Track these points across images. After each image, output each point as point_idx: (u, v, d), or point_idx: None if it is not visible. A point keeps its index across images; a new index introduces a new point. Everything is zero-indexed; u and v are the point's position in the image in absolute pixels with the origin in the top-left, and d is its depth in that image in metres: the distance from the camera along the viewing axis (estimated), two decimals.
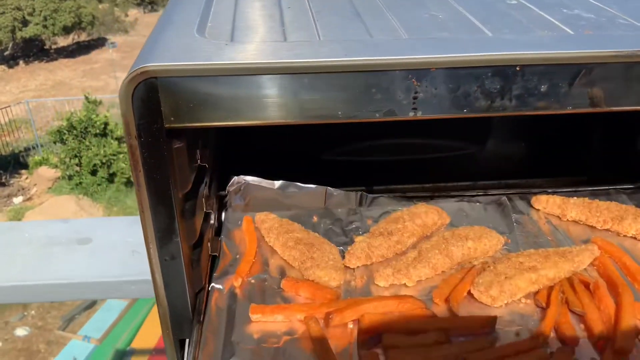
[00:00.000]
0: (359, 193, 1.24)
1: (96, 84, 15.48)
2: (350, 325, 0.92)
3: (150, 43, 0.78)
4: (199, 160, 0.95)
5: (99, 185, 10.11)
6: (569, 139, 1.52)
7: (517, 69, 0.70)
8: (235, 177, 1.23)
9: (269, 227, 1.11)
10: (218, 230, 1.14)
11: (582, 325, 0.92)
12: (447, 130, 1.48)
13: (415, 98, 0.68)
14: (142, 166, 0.72)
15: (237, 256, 1.07)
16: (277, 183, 1.23)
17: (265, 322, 0.92)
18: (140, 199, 0.75)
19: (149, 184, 0.74)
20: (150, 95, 0.69)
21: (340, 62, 0.68)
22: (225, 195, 1.22)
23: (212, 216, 1.09)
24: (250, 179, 1.23)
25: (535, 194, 1.26)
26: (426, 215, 1.14)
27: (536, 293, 0.98)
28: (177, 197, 0.79)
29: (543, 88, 0.71)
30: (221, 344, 0.88)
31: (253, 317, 0.92)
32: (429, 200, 1.25)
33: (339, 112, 0.69)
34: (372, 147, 1.49)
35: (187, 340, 0.89)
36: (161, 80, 0.69)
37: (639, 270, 1.02)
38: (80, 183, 10.14)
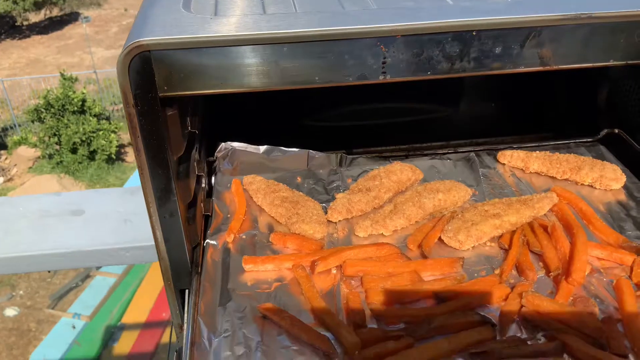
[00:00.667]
0: (339, 155, 1.33)
1: (71, 60, 15.19)
2: (334, 271, 1.02)
3: (140, 19, 0.85)
4: (189, 127, 1.03)
5: (80, 163, 10.04)
6: (536, 99, 1.62)
7: (474, 33, 0.78)
8: (223, 144, 1.31)
9: (256, 188, 1.20)
10: (209, 193, 1.22)
11: (541, 264, 1.04)
12: (421, 94, 1.57)
13: (384, 63, 0.77)
14: (140, 132, 0.80)
15: (228, 215, 1.16)
16: (262, 148, 1.31)
17: (257, 271, 1.02)
18: (140, 162, 0.83)
19: (147, 149, 0.82)
20: (144, 67, 0.76)
21: (315, 32, 0.76)
22: (214, 161, 1.30)
23: (204, 180, 1.17)
24: (236, 144, 1.31)
25: (502, 150, 1.36)
26: (401, 172, 1.24)
27: (500, 237, 1.09)
28: (172, 160, 0.87)
29: (497, 50, 0.80)
30: (218, 291, 0.98)
31: (246, 267, 1.02)
32: (404, 159, 1.35)
33: (316, 78, 0.78)
34: (351, 113, 1.58)
35: (187, 291, 0.98)
36: (154, 53, 0.76)
37: (593, 214, 1.13)
38: (61, 162, 10.06)
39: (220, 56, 0.78)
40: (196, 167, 1.07)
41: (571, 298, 0.95)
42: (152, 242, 1.82)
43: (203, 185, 1.17)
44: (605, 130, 1.39)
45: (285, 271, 1.03)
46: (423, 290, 0.96)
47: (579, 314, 0.89)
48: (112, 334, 5.90)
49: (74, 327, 5.80)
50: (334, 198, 1.21)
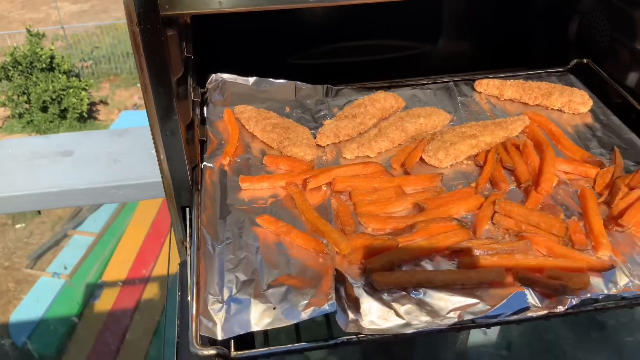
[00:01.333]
0: (325, 86, 1.39)
1: (37, 15, 14.62)
2: (324, 188, 1.10)
3: None
4: (185, 52, 1.07)
5: (51, 122, 9.83)
6: (512, 34, 1.69)
7: None
8: (213, 75, 1.36)
9: (248, 116, 1.26)
10: (202, 121, 1.28)
11: (512, 178, 1.13)
12: (401, 31, 1.63)
13: None
14: (144, 50, 0.85)
15: (222, 142, 1.23)
16: (251, 79, 1.36)
17: (253, 189, 1.10)
18: (144, 81, 0.88)
19: (150, 67, 0.87)
20: None
21: None
22: (205, 92, 1.35)
23: (197, 108, 1.23)
24: (226, 76, 1.36)
25: (479, 79, 1.44)
26: (384, 100, 1.31)
27: (476, 155, 1.18)
28: (172, 80, 0.92)
29: None
30: (218, 207, 1.05)
31: (242, 185, 1.09)
32: (387, 89, 1.42)
33: None
34: (335, 50, 1.63)
35: (188, 208, 1.05)
36: None
37: (561, 134, 1.23)
38: (32, 121, 9.84)
39: None
40: (192, 92, 1.12)
41: (540, 206, 1.05)
42: (143, 180, 1.87)
43: (197, 113, 1.22)
44: (575, 60, 1.48)
45: (279, 189, 1.10)
46: (406, 201, 1.05)
47: (546, 216, 0.99)
48: (92, 292, 5.93)
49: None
50: (321, 125, 1.28)
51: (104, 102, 10.84)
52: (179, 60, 0.97)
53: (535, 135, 1.22)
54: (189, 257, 0.91)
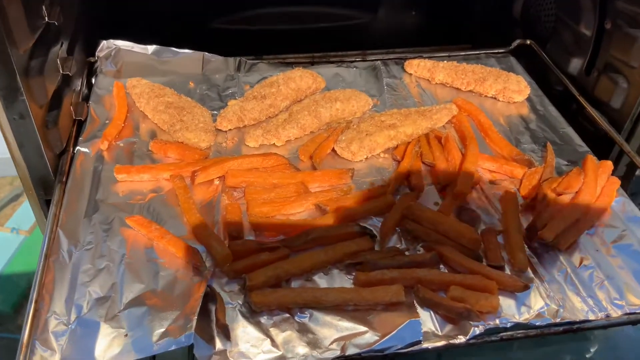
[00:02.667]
0: (238, 59, 1.23)
1: None
2: (217, 182, 0.96)
3: None
4: (46, 17, 0.89)
5: None
6: (456, 10, 1.54)
7: None
8: (105, 42, 1.18)
9: (140, 92, 1.10)
10: (88, 97, 1.10)
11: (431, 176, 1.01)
12: None
13: None
14: None
15: (107, 121, 1.06)
16: (151, 48, 1.19)
17: (131, 181, 0.94)
18: None
19: None
20: None
21: None
22: (95, 61, 1.17)
23: (77, 81, 1.05)
24: (121, 43, 1.18)
25: (411, 58, 1.30)
26: (301, 79, 1.16)
27: (395, 148, 1.05)
28: (15, 53, 0.75)
29: None
30: (85, 202, 0.90)
31: (118, 176, 0.93)
32: (309, 66, 1.26)
33: None
34: (261, 15, 1.45)
35: (53, 200, 0.89)
36: None
37: (490, 127, 1.11)
38: None
39: None
40: (61, 65, 0.95)
41: (456, 210, 0.93)
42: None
43: (77, 88, 1.05)
44: (518, 41, 1.35)
45: (163, 182, 0.95)
46: (307, 202, 0.92)
47: (457, 225, 0.87)
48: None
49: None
50: (226, 105, 1.13)
51: None
52: (25, 27, 0.79)
53: (462, 127, 1.09)
54: (38, 267, 0.76)
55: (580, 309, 0.80)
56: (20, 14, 0.77)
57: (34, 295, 0.73)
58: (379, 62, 1.28)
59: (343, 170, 0.98)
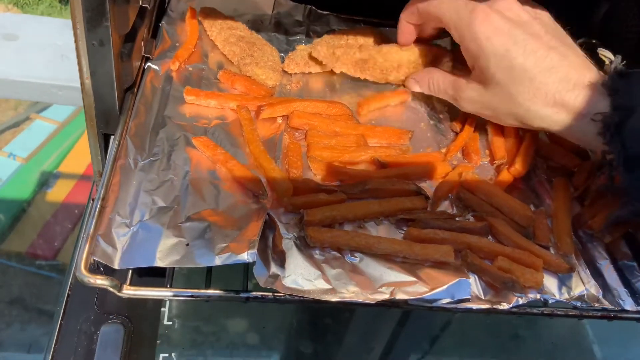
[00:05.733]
0: (309, 7, 1.23)
1: None
2: (279, 120, 0.97)
3: None
4: None
5: None
6: None
7: None
8: None
9: (212, 20, 1.10)
10: (159, 18, 1.11)
11: (487, 152, 1.02)
12: None
13: None
14: None
15: (177, 44, 1.07)
16: None
17: (198, 105, 0.96)
18: None
19: None
20: None
21: None
22: None
23: (150, 15, 1.04)
24: None
25: None
26: (370, 36, 1.16)
27: (454, 119, 1.06)
28: None
29: None
30: (153, 116, 0.91)
31: (187, 98, 0.95)
32: (376, 26, 1.26)
33: None
34: None
35: (112, 137, 0.86)
36: None
37: None
38: None
39: None
40: None
41: (509, 187, 0.95)
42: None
43: (148, 22, 1.03)
44: (583, 39, 1.34)
45: (228, 111, 0.97)
46: (366, 154, 0.94)
47: (511, 200, 0.89)
48: (47, 180, 5.74)
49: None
50: (294, 49, 1.13)
51: None
52: None
53: None
54: (104, 170, 0.77)
55: (617, 298, 0.82)
56: None
57: (101, 193, 0.75)
58: None
59: (403, 131, 0.99)
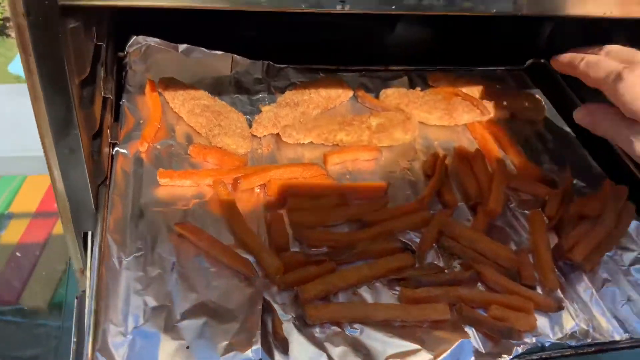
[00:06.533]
0: (266, 63, 1.23)
1: None
2: (257, 190, 0.97)
3: None
4: (95, 40, 0.87)
5: None
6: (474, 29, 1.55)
7: None
8: (136, 37, 1.16)
9: (173, 92, 1.09)
10: (118, 95, 1.09)
11: (459, 191, 1.05)
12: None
13: None
14: (34, 50, 0.63)
15: (141, 121, 1.05)
16: (181, 46, 1.18)
17: (173, 186, 0.94)
18: (33, 86, 0.66)
19: (42, 70, 0.65)
20: None
21: None
22: (125, 57, 1.15)
23: (109, 101, 1.01)
24: (152, 40, 1.16)
25: (432, 71, 1.32)
26: (330, 87, 1.17)
27: (423, 163, 1.08)
28: (74, 84, 0.71)
29: None
30: (129, 206, 0.89)
31: (161, 181, 0.93)
32: (334, 73, 1.27)
33: (262, 1, 0.66)
34: (282, 25, 1.43)
35: (90, 233, 0.85)
36: None
37: (512, 145, 1.15)
38: None
39: None
40: (103, 87, 0.92)
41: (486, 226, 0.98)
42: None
43: (110, 96, 1.01)
44: (531, 60, 1.40)
45: (204, 187, 0.96)
46: (346, 214, 0.94)
47: (493, 244, 0.91)
48: None
49: None
50: (258, 110, 1.13)
51: None
52: (84, 56, 0.77)
53: (487, 145, 1.13)
54: (88, 283, 0.75)
55: (606, 329, 0.85)
56: (81, 44, 0.74)
57: (92, 306, 0.73)
58: (402, 72, 1.30)
59: (379, 184, 1.00)
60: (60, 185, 0.78)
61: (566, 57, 0.95)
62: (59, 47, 0.64)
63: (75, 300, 0.89)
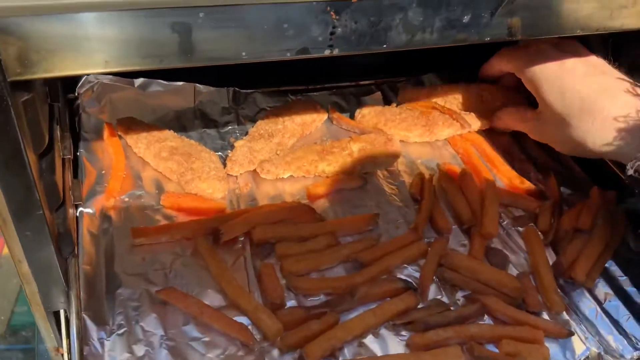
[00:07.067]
0: (232, 89, 1.15)
1: None
2: (241, 238, 0.90)
3: None
4: (49, 100, 0.77)
5: None
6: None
7: None
8: (86, 76, 1.05)
9: (136, 135, 1.00)
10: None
11: (451, 213, 1.01)
12: None
13: (332, 34, 0.60)
14: None
15: (103, 172, 0.95)
16: (138, 81, 1.08)
17: (149, 245, 0.86)
18: None
19: None
20: None
21: None
22: (76, 98, 1.05)
23: (67, 160, 0.91)
24: (103, 77, 1.06)
25: (401, 82, 1.27)
26: (304, 112, 1.10)
27: (410, 185, 1.04)
28: (32, 160, 0.62)
29: (466, 19, 0.66)
30: (103, 275, 0.81)
31: (136, 241, 0.85)
32: (304, 93, 1.20)
33: (243, 53, 0.58)
34: None
35: (63, 311, 0.76)
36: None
37: (497, 157, 1.12)
38: None
39: (108, 24, 0.52)
40: (61, 147, 0.82)
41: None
42: None
43: (70, 155, 0.92)
44: None
45: (183, 242, 0.88)
46: (339, 255, 0.89)
47: (496, 273, 0.88)
48: None
49: None
50: (229, 144, 1.06)
51: None
52: (40, 126, 0.67)
53: (472, 160, 1.09)
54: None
55: (615, 348, 0.83)
56: (35, 113, 0.64)
57: None
58: (373, 87, 1.24)
59: (369, 216, 0.95)
60: (25, 268, 0.68)
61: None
62: (12, 124, 0.55)
63: None
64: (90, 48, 0.53)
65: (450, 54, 1.38)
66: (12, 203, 0.61)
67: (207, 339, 0.76)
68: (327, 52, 0.62)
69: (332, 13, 0.59)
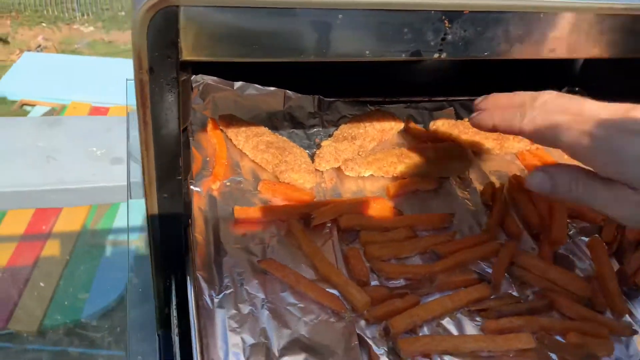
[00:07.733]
0: (317, 97, 1.26)
1: None
2: (328, 224, 0.99)
3: None
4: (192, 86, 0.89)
5: None
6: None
7: (541, 15, 0.72)
8: (194, 76, 1.18)
9: (235, 129, 1.11)
10: None
11: (520, 221, 1.08)
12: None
13: (443, 40, 0.70)
14: (151, 102, 0.65)
15: (207, 158, 1.07)
16: (237, 84, 1.20)
17: (249, 223, 0.96)
18: (145, 138, 0.68)
19: (156, 122, 0.67)
20: (168, 26, 0.61)
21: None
22: None
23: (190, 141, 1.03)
24: (208, 78, 1.19)
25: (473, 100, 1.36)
26: (384, 120, 1.20)
27: (482, 193, 1.11)
28: (181, 132, 0.72)
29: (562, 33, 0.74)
30: (212, 245, 0.91)
31: (238, 218, 0.95)
32: (381, 105, 1.31)
33: (367, 52, 0.68)
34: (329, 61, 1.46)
35: (179, 273, 0.85)
36: (184, 10, 0.61)
37: None
38: None
39: (266, 19, 0.62)
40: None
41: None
42: (82, 185, 1.62)
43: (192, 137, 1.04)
44: (566, 88, 1.45)
45: (278, 223, 0.98)
46: (419, 246, 0.97)
47: (566, 274, 0.94)
48: None
49: None
50: (315, 144, 1.16)
51: (3, 41, 9.65)
52: (189, 105, 0.78)
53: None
54: (193, 323, 0.76)
55: None
56: (188, 93, 0.75)
57: (197, 347, 0.74)
58: (445, 103, 1.34)
59: (445, 215, 1.03)
60: (157, 232, 0.79)
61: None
62: (175, 100, 0.66)
63: (157, 337, 0.91)
64: (250, 40, 0.64)
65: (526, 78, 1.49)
66: (160, 168, 0.72)
67: (302, 305, 0.85)
68: (436, 56, 0.72)
69: (445, 21, 0.69)
